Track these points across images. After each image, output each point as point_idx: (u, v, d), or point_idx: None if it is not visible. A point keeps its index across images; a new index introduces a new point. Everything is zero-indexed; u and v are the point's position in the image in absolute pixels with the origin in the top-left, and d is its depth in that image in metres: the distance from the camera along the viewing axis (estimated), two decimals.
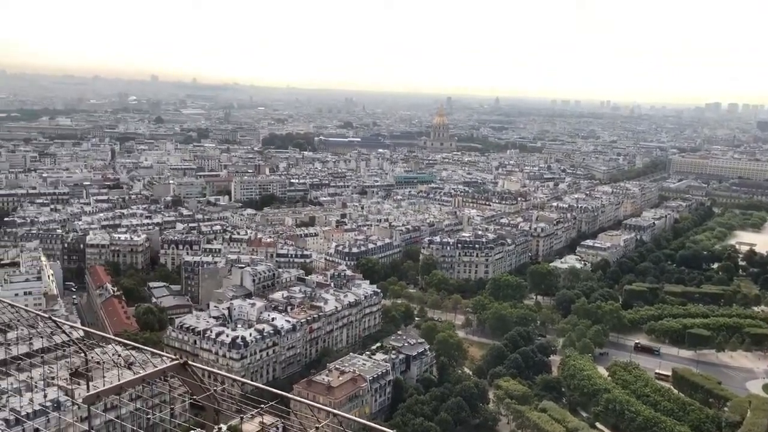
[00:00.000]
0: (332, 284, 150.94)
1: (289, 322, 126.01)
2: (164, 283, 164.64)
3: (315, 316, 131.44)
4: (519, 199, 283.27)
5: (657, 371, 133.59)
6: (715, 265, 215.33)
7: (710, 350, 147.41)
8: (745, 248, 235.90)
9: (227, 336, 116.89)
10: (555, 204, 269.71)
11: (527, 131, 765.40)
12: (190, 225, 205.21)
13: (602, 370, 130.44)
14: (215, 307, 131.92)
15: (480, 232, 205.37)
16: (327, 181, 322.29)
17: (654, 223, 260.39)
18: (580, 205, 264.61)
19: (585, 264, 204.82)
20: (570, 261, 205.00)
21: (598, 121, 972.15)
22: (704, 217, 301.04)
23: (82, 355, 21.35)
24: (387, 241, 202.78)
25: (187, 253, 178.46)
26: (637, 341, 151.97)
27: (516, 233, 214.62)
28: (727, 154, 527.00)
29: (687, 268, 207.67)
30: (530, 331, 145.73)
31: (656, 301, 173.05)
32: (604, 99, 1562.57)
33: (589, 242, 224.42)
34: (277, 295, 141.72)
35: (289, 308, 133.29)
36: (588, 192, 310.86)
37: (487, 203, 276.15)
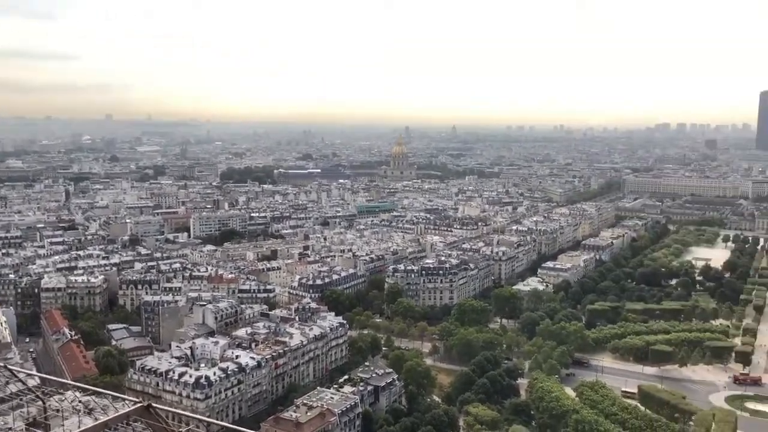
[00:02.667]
0: (297, 318, 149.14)
1: (253, 359, 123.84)
2: (124, 325, 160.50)
3: (280, 351, 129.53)
4: (479, 223, 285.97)
5: (623, 389, 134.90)
6: (674, 282, 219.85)
7: (673, 365, 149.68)
8: (700, 264, 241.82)
9: (190, 376, 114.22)
10: (515, 227, 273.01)
11: (484, 157, 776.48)
12: (149, 264, 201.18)
13: (570, 391, 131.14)
14: (177, 346, 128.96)
15: (443, 258, 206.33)
16: (288, 214, 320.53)
17: (612, 242, 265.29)
18: (539, 228, 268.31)
19: (547, 285, 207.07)
20: (532, 283, 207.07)
21: (553, 145, 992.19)
22: (660, 234, 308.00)
23: (40, 403, 20.56)
24: (351, 271, 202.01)
25: (147, 293, 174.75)
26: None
27: (478, 258, 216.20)
28: (678, 172, 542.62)
29: (646, 285, 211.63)
30: (497, 355, 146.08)
31: (619, 319, 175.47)
32: (557, 123, 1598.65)
33: (550, 264, 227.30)
34: (241, 332, 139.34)
35: (253, 345, 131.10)
36: (546, 214, 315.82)
37: (449, 229, 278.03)
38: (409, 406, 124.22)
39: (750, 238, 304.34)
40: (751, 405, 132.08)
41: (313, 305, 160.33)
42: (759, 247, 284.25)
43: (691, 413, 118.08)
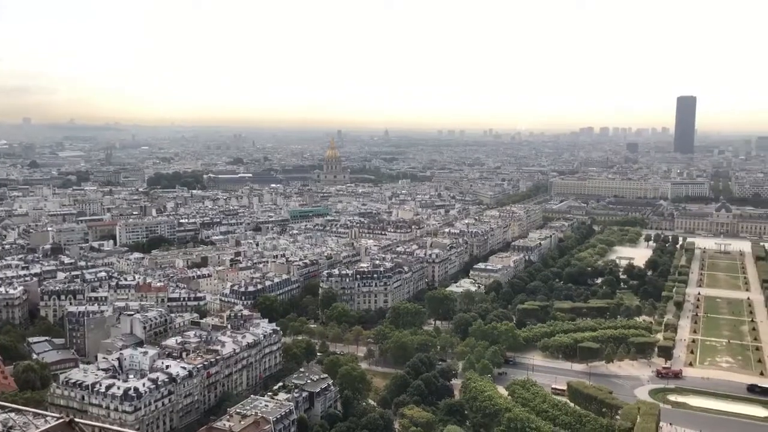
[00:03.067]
0: (229, 326, 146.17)
1: (184, 368, 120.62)
2: (46, 338, 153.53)
3: (212, 360, 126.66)
4: (413, 227, 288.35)
5: (553, 386, 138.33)
6: (599, 280, 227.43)
7: (600, 362, 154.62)
8: (624, 262, 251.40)
9: (118, 388, 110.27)
10: (447, 230, 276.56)
11: (417, 161, 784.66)
12: (73, 273, 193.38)
13: (502, 390, 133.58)
14: (104, 358, 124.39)
15: (378, 262, 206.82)
16: (219, 219, 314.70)
17: (540, 243, 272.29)
18: (470, 230, 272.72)
19: (479, 286, 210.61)
20: (465, 284, 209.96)
21: (483, 149, 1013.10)
22: (586, 235, 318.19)
23: None
24: (284, 277, 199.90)
25: (71, 304, 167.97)
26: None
27: (412, 260, 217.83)
28: (602, 175, 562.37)
29: (574, 284, 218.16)
30: (431, 356, 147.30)
31: (548, 318, 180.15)
32: (487, 128, 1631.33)
33: (481, 265, 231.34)
34: (171, 341, 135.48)
35: (184, 354, 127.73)
36: (477, 217, 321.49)
37: (383, 233, 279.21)
38: (345, 411, 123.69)
39: (670, 237, 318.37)
40: (672, 397, 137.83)
41: (246, 312, 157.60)
42: (678, 246, 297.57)
43: (617, 407, 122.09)
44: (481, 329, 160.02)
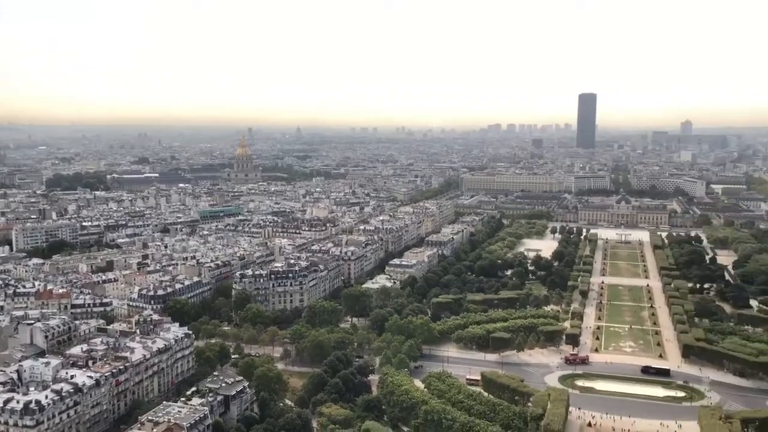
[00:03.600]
0: (138, 331, 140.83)
1: (91, 377, 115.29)
2: None
3: (120, 367, 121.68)
4: (328, 225, 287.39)
5: (468, 377, 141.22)
6: (509, 272, 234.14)
7: (512, 351, 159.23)
8: (532, 254, 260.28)
9: (18, 402, 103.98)
10: (362, 227, 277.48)
11: (330, 159, 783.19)
12: None
13: (419, 383, 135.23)
14: (1, 371, 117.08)
15: (292, 261, 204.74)
16: (124, 222, 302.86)
17: (453, 238, 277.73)
18: (385, 227, 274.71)
19: (394, 282, 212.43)
20: (380, 281, 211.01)
21: (395, 146, 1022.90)
22: (496, 228, 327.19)
23: None
24: (195, 279, 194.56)
25: None
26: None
27: (328, 259, 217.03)
28: (510, 170, 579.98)
29: (485, 276, 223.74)
30: (348, 354, 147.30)
31: (461, 310, 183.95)
32: (399, 125, 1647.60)
33: (396, 261, 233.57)
34: (76, 350, 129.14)
35: (90, 362, 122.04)
36: (392, 213, 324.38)
37: (297, 231, 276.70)
38: (262, 412, 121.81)
39: (574, 228, 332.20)
40: (580, 382, 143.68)
41: (156, 317, 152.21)
42: (582, 237, 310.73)
43: (529, 395, 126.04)
44: (397, 324, 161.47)
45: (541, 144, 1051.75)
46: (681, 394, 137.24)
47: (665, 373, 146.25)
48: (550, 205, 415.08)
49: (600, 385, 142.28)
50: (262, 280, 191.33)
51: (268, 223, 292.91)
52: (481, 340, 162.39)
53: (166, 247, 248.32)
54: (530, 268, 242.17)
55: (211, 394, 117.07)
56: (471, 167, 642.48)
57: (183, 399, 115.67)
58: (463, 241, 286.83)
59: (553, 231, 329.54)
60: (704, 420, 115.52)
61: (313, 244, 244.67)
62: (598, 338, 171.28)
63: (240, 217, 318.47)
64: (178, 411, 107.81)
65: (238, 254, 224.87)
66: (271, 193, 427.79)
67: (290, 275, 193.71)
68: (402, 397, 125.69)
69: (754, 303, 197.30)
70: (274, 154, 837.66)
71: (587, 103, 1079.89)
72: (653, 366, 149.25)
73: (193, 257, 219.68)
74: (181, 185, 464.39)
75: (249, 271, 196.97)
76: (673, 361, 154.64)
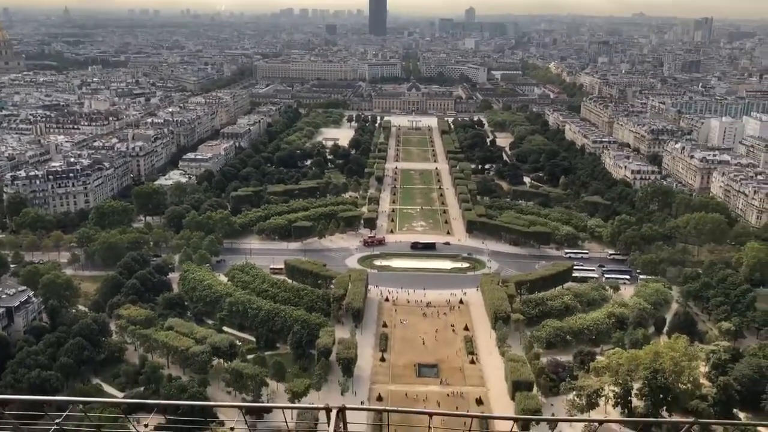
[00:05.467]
0: None
1: None
2: None
3: None
4: (110, 118, 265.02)
5: (272, 267, 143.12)
6: (308, 162, 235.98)
7: (314, 238, 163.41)
8: (330, 143, 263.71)
9: None
10: (150, 120, 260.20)
11: (107, 44, 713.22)
12: None
13: (222, 277, 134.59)
14: None
15: (73, 160, 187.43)
16: None
17: (249, 129, 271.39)
18: (175, 119, 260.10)
19: (190, 177, 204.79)
20: (174, 177, 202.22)
21: (182, 31, 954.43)
22: (293, 118, 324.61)
23: None
24: None
25: None
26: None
27: (113, 156, 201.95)
28: (304, 57, 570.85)
29: (285, 167, 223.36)
30: (144, 254, 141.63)
31: (262, 203, 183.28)
32: (184, 7, 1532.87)
33: (190, 155, 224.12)
34: None
35: None
36: (182, 105, 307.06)
37: (76, 127, 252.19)
38: (53, 321, 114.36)
39: (369, 116, 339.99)
40: (378, 262, 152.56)
41: None
42: (377, 125, 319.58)
43: (331, 278, 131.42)
44: (196, 220, 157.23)
45: (335, 30, 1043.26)
46: (466, 265, 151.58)
47: (431, 247, 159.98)
48: (346, 94, 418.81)
49: (396, 263, 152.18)
50: (38, 182, 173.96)
51: (39, 118, 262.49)
52: (283, 230, 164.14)
53: None
54: (329, 157, 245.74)
55: None
56: (265, 54, 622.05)
57: None
58: (261, 132, 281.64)
59: (350, 119, 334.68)
60: (485, 286, 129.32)
61: (95, 141, 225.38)
62: (393, 220, 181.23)
63: (4, 112, 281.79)
64: None
65: (5, 154, 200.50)
66: (39, 84, 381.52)
67: (71, 175, 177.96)
68: (205, 291, 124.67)
69: (527, 180, 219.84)
70: (39, 40, 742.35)
71: None
72: (420, 242, 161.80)
73: None
74: None
75: (22, 173, 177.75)
76: (459, 236, 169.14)
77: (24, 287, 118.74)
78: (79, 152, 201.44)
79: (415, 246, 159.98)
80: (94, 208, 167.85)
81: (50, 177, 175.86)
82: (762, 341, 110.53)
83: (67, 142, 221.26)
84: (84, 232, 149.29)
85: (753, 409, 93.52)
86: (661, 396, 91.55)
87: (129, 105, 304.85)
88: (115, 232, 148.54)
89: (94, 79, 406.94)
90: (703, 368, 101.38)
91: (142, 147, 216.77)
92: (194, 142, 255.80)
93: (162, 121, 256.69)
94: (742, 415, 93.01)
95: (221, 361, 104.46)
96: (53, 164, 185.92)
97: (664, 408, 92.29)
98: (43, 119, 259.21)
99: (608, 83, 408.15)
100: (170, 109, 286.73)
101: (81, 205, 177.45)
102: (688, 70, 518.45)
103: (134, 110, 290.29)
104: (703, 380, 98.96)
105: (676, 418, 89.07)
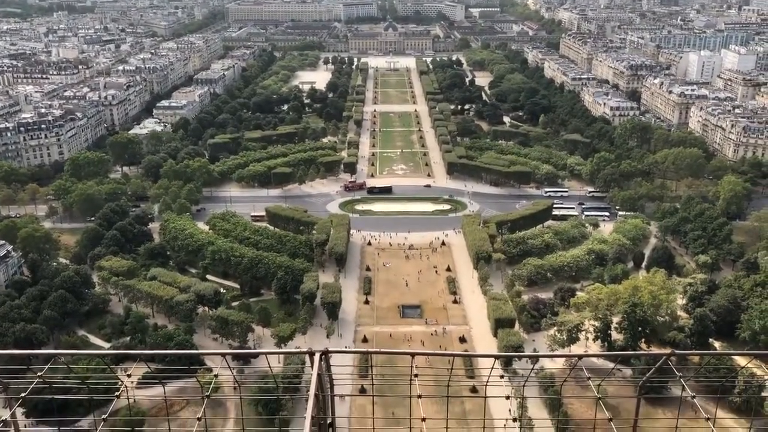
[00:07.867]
0: None
1: None
2: None
3: None
4: (80, 67, 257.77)
5: (252, 214, 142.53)
6: (285, 107, 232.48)
7: (294, 184, 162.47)
8: (306, 87, 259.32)
9: None
10: (121, 68, 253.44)
11: None
12: None
13: (203, 226, 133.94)
14: None
15: (44, 111, 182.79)
16: None
17: (224, 74, 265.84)
18: (148, 66, 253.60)
19: (165, 126, 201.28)
20: (149, 125, 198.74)
21: None
22: (268, 62, 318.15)
23: None
24: None
25: None
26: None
27: (86, 105, 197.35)
28: None
29: (261, 113, 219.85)
30: (122, 204, 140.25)
31: (240, 149, 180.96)
32: None
33: (165, 103, 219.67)
34: None
35: None
36: (153, 51, 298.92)
37: (44, 76, 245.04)
38: (33, 275, 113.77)
39: (346, 58, 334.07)
40: (359, 207, 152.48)
41: None
42: (354, 67, 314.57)
43: (313, 223, 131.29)
44: (174, 169, 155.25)
45: None
46: (447, 207, 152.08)
47: (388, 190, 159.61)
48: (322, 35, 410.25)
49: (377, 207, 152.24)
50: (9, 135, 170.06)
51: (5, 68, 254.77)
52: (262, 177, 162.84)
53: None
54: (306, 101, 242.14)
55: None
56: None
57: None
58: (235, 77, 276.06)
59: (326, 62, 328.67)
60: (467, 227, 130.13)
61: (65, 90, 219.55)
62: (373, 164, 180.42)
63: None
64: None
65: None
66: (3, 33, 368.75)
67: (43, 126, 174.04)
68: (187, 240, 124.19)
69: (506, 119, 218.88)
70: None
71: None
72: (376, 186, 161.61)
73: None
74: None
75: None
76: (440, 178, 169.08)
77: (2, 242, 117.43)
78: (50, 103, 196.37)
79: (371, 191, 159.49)
80: (69, 160, 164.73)
81: (21, 129, 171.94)
82: (737, 272, 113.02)
83: (36, 92, 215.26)
84: (60, 185, 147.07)
85: (728, 339, 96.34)
86: (640, 329, 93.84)
87: (98, 52, 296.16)
88: (92, 183, 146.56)
89: (61, 26, 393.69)
90: (681, 301, 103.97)
91: (115, 96, 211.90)
92: (168, 89, 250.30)
93: (134, 68, 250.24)
94: (717, 344, 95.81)
95: (206, 308, 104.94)
96: (24, 116, 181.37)
97: (643, 340, 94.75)
98: (10, 69, 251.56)
99: (587, 19, 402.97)
100: (141, 56, 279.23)
101: (55, 157, 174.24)
102: (667, 3, 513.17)
103: (104, 58, 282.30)
104: (680, 312, 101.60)
105: (654, 351, 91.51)
